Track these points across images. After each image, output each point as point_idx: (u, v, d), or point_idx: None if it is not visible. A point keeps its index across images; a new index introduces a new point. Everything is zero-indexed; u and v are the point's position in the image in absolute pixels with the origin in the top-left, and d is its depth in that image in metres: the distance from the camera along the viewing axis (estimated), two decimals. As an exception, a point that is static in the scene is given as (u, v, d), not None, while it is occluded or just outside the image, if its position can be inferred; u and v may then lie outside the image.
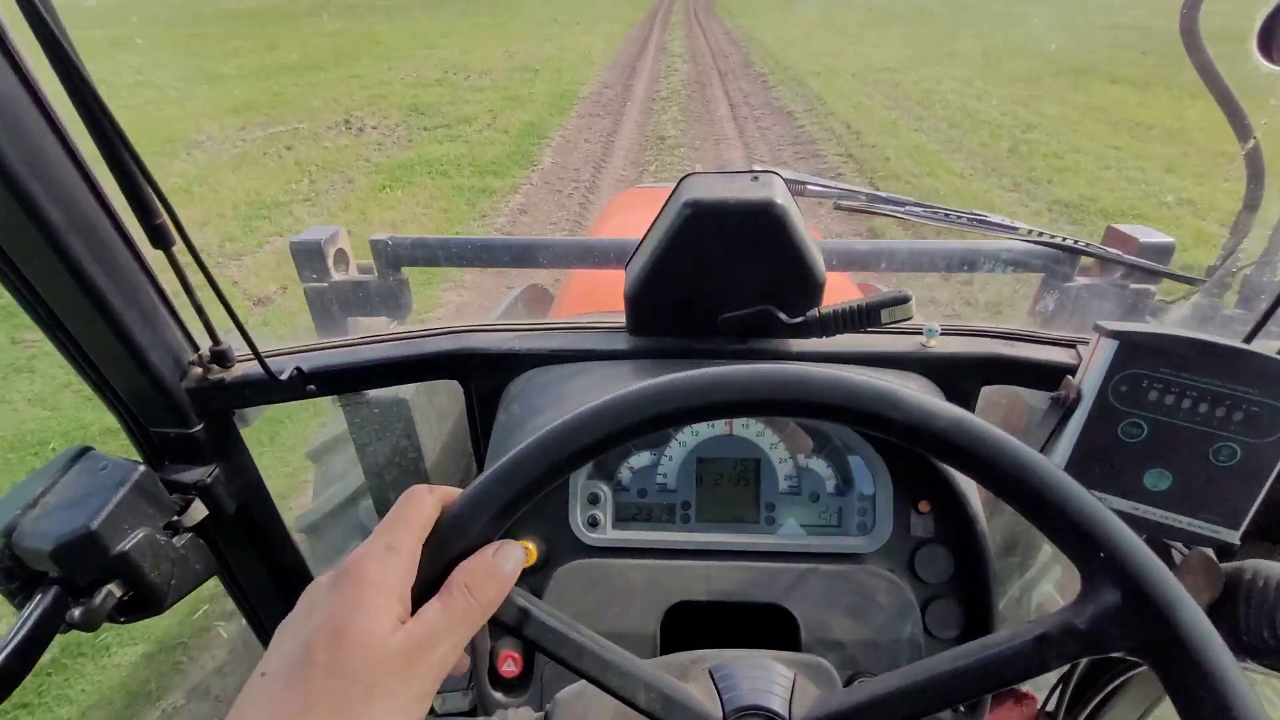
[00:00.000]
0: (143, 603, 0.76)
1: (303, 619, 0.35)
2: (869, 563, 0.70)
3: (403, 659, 0.34)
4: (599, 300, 1.36)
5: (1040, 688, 0.88)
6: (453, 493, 0.40)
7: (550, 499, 0.72)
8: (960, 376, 0.81)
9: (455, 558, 0.38)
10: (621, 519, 0.74)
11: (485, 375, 0.85)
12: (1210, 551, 0.62)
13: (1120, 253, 0.96)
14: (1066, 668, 0.87)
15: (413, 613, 0.36)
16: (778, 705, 0.45)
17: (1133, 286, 1.06)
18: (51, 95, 0.58)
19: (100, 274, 0.65)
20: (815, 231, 2.18)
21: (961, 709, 0.66)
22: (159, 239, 0.67)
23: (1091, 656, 0.36)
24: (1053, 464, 0.37)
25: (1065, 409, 0.58)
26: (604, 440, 0.40)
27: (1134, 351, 0.54)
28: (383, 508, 1.16)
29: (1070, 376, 0.59)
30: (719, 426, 0.75)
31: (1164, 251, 1.02)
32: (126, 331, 0.69)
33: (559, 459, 0.40)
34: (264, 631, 0.97)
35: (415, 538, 0.37)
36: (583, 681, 0.53)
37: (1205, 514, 0.55)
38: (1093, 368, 0.56)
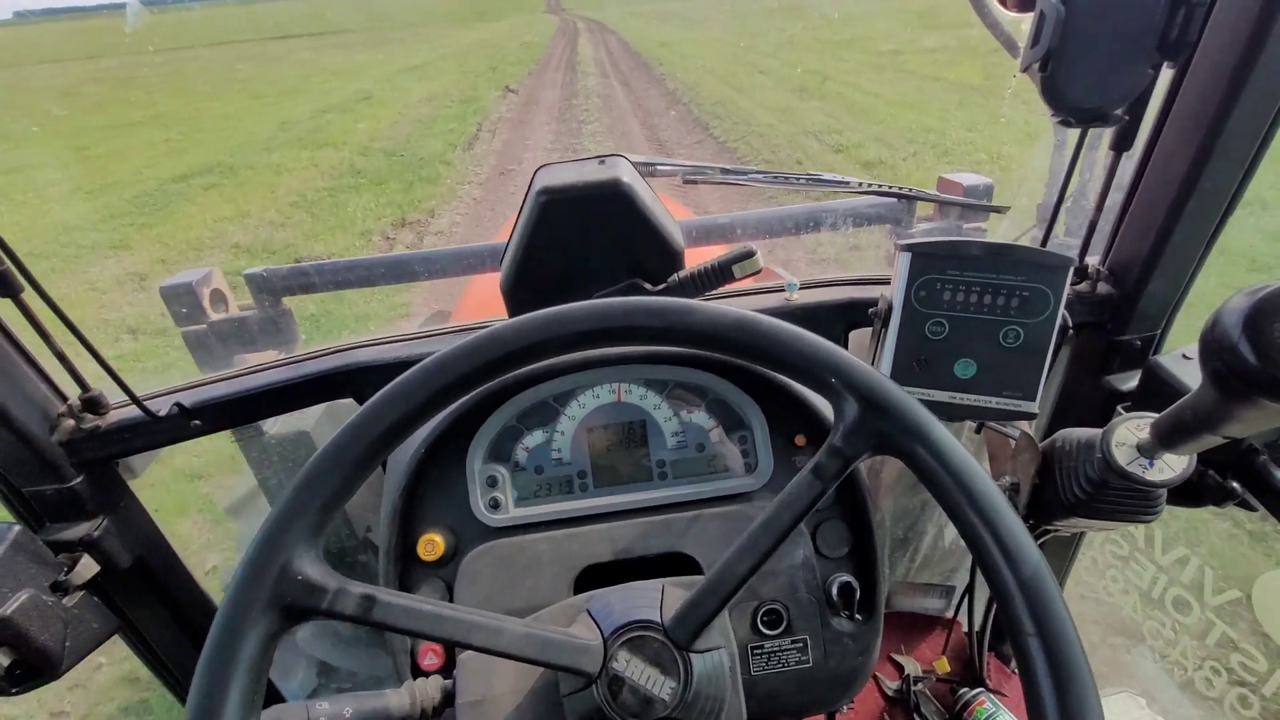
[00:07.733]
0: (35, 669, 0.72)
1: None
2: (757, 499, 0.76)
3: None
4: (497, 307, 1.38)
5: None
6: None
7: (453, 489, 0.75)
8: (826, 323, 0.89)
9: None
10: (523, 497, 0.77)
11: (380, 389, 0.86)
12: (1031, 432, 0.71)
13: (939, 194, 1.08)
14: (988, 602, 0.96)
15: None
16: (650, 614, 0.50)
17: (966, 226, 1.19)
18: None
19: None
20: (685, 210, 2.28)
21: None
22: (4, 287, 0.66)
23: (852, 465, 0.43)
24: (779, 321, 0.43)
25: (883, 322, 0.66)
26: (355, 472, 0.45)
27: (926, 260, 0.63)
28: None
29: (885, 294, 0.67)
30: (604, 395, 0.79)
31: (985, 191, 1.15)
32: None
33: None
34: (176, 682, 0.93)
35: None
36: None
37: (1007, 391, 0.64)
38: (897, 281, 0.64)
